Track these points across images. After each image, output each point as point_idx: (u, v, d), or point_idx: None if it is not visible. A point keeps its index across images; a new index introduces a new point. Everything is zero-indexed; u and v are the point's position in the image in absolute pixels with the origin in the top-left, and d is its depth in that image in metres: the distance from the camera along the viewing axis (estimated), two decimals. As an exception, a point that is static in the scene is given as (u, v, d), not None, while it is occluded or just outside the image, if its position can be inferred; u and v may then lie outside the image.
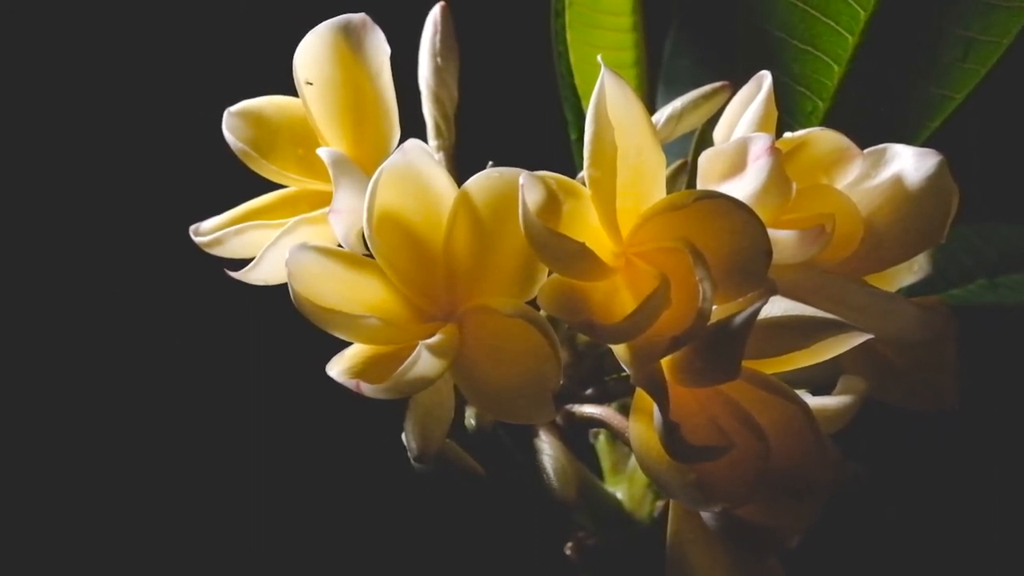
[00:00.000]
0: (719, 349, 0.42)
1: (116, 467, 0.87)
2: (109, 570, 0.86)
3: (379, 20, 0.49)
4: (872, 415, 0.48)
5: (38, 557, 0.86)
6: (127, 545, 0.86)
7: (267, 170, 0.51)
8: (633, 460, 0.59)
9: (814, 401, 0.47)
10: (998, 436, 0.86)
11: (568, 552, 0.57)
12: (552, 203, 0.43)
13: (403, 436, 0.45)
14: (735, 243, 0.42)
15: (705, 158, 0.46)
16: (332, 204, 0.46)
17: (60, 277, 0.88)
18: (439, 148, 0.53)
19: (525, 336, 0.43)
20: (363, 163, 0.48)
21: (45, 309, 0.88)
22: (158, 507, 0.86)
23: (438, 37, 0.54)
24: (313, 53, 0.49)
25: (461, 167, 0.51)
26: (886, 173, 0.47)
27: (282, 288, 0.44)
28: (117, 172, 0.89)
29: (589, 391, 0.52)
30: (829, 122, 0.55)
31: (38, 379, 0.87)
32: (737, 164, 0.45)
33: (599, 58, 0.45)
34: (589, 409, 0.50)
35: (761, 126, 0.47)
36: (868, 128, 0.51)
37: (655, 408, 0.42)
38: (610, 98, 0.43)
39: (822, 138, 0.47)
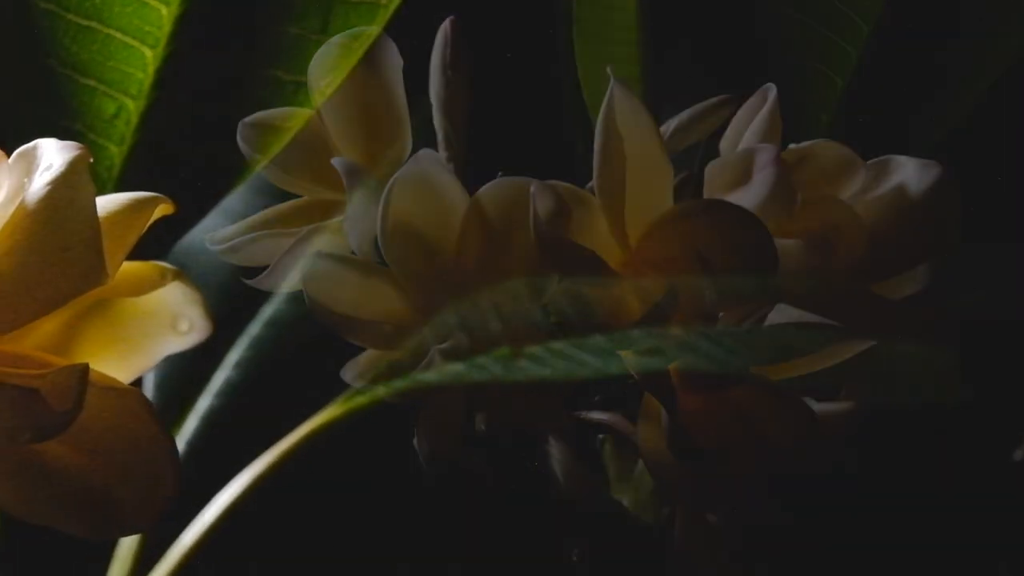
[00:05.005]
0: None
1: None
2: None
3: (392, 33, 0.50)
4: (874, 419, 0.49)
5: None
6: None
7: (281, 180, 0.52)
8: (638, 468, 0.60)
9: (818, 406, 0.48)
10: (999, 446, 0.86)
11: (574, 558, 0.57)
12: (562, 211, 0.44)
13: (415, 440, 0.45)
14: (741, 251, 0.43)
15: (712, 168, 0.47)
16: (346, 213, 0.47)
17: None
18: (449, 159, 0.54)
19: (536, 341, 0.44)
20: (376, 173, 0.49)
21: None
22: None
23: (449, 50, 0.55)
24: (327, 65, 0.50)
25: (470, 178, 0.52)
26: (889, 184, 0.48)
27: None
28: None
29: (596, 398, 0.52)
30: (833, 135, 0.56)
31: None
32: (743, 174, 0.46)
33: (609, 70, 0.46)
34: (597, 415, 0.51)
35: (766, 137, 0.48)
36: (871, 141, 0.51)
37: (663, 412, 0.42)
38: (619, 109, 0.44)
39: (826, 149, 0.48)
